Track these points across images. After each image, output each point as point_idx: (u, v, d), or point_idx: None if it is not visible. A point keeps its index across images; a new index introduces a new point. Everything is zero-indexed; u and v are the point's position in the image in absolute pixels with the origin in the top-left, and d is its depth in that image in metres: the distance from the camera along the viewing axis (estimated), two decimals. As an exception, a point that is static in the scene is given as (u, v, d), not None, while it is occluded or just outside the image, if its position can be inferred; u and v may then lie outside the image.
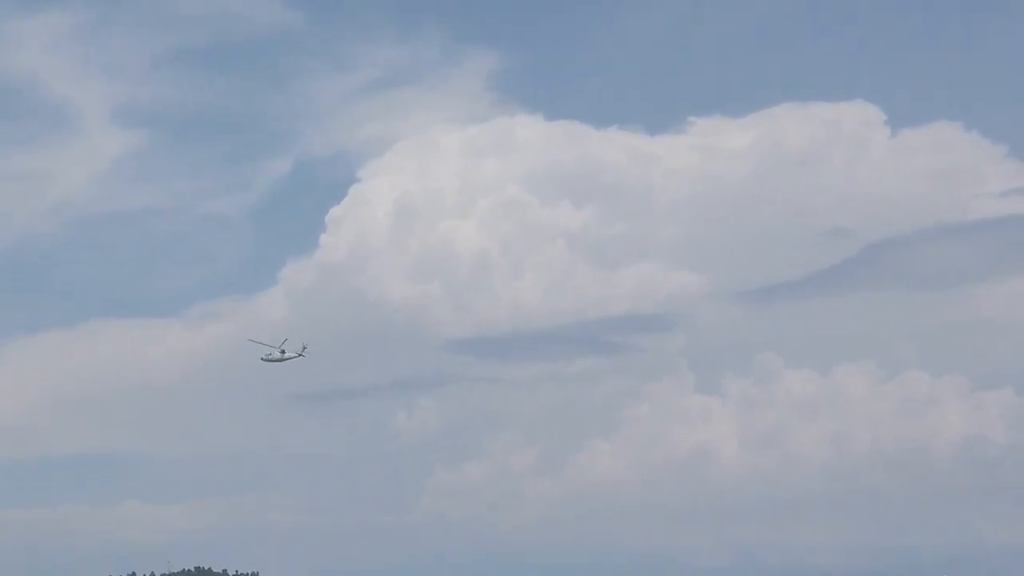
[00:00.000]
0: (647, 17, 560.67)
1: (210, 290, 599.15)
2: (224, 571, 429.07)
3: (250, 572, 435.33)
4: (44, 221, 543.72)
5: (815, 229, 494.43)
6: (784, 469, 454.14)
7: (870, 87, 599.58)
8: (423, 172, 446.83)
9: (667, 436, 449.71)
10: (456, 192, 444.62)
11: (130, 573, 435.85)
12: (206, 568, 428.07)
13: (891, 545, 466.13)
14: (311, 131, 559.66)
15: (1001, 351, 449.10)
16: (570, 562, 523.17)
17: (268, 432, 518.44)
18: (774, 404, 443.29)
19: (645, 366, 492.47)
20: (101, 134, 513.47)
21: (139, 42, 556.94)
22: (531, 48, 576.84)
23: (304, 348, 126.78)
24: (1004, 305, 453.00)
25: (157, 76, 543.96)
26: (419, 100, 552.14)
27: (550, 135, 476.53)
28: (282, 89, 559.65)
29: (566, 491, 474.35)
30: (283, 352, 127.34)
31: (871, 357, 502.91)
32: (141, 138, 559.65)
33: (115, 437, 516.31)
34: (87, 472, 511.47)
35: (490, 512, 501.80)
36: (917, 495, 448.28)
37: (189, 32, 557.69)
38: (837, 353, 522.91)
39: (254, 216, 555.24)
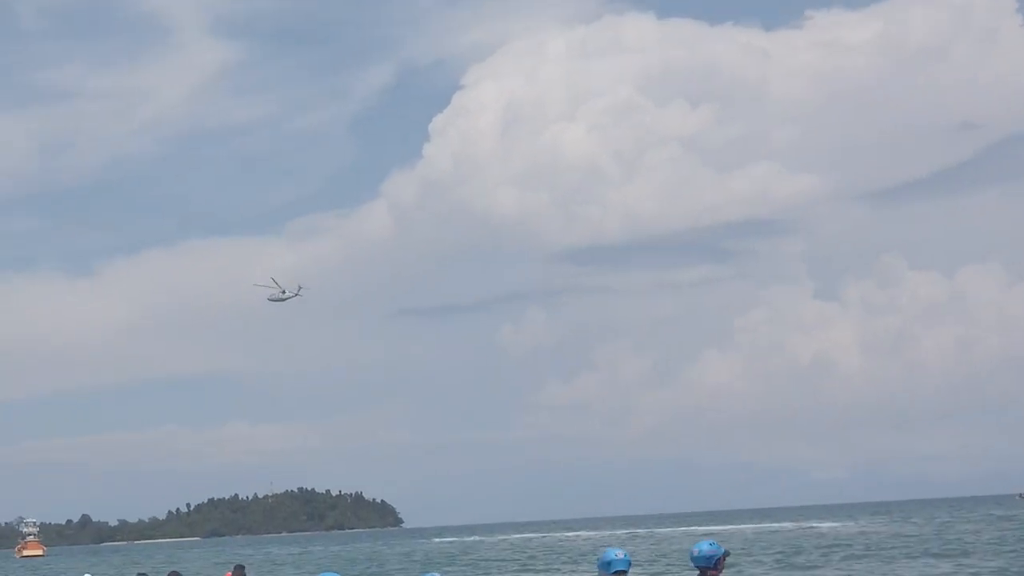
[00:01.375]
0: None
1: (310, 205, 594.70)
2: (327, 491, 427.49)
3: (352, 492, 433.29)
4: (140, 139, 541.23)
5: (941, 125, 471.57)
6: (907, 377, 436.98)
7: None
8: (530, 76, 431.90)
9: (784, 344, 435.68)
10: (564, 96, 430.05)
11: (232, 495, 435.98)
12: (309, 489, 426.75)
13: (1020, 454, 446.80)
14: (412, 37, 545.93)
15: None
16: (684, 475, 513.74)
17: (373, 350, 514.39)
18: (897, 309, 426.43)
19: (762, 272, 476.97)
20: (197, 47, 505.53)
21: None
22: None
23: (300, 288, 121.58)
24: None
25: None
26: (524, 1, 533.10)
27: (662, 34, 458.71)
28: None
29: (679, 403, 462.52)
30: (284, 292, 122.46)
31: (999, 258, 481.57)
32: (238, 50, 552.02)
33: (216, 358, 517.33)
34: (189, 394, 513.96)
35: (601, 425, 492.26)
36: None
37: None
38: (963, 254, 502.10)
39: (355, 127, 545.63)
